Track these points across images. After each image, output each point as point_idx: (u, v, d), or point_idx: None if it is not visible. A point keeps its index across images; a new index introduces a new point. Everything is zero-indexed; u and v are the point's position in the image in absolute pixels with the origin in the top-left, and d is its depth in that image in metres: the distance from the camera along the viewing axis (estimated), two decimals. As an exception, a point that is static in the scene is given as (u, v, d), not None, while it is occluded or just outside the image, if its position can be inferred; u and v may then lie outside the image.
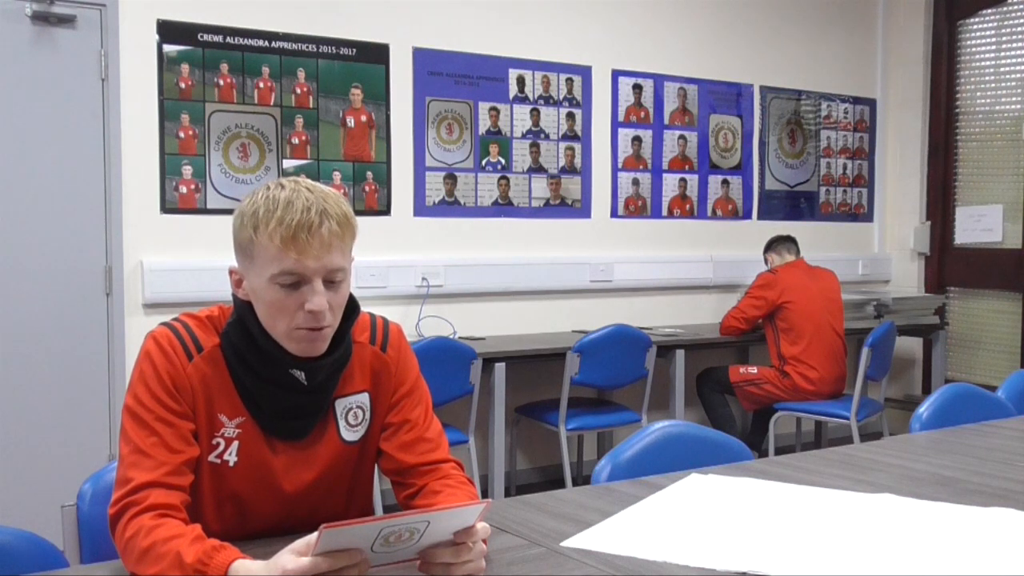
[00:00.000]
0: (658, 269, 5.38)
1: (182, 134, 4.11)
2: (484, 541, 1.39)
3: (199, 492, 1.57)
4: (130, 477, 1.47)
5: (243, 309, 1.57)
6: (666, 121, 5.43)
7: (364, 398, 1.67)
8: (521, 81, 4.94)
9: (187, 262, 4.04)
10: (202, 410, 1.56)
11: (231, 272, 1.60)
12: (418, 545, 1.32)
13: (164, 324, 1.60)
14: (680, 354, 4.76)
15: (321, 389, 1.61)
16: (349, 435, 1.66)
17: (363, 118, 4.52)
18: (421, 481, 1.66)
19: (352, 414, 1.66)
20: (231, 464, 1.58)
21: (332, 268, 1.51)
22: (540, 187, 5.03)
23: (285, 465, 1.61)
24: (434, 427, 1.73)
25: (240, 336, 1.57)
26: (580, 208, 5.16)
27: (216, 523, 1.57)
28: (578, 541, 1.59)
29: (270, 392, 1.57)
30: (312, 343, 1.54)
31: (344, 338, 1.62)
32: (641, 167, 5.36)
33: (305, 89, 4.37)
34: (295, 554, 1.26)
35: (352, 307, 1.63)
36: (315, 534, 1.24)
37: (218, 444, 1.57)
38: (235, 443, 1.57)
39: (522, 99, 4.95)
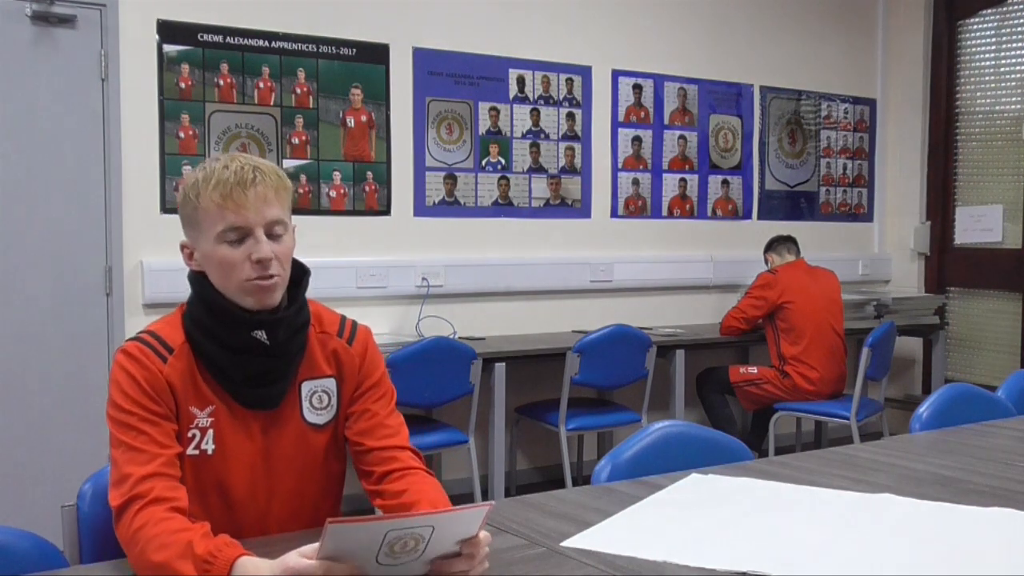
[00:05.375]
0: (658, 269, 5.38)
1: (182, 134, 4.11)
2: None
3: (185, 488, 1.59)
4: (128, 473, 1.51)
5: (199, 282, 1.66)
6: (666, 121, 5.43)
7: (330, 383, 1.73)
8: (521, 81, 4.94)
9: (187, 262, 4.04)
10: (179, 408, 1.61)
11: (183, 247, 1.69)
12: (423, 557, 1.32)
13: (129, 339, 1.66)
14: (680, 354, 4.76)
15: (284, 352, 1.65)
16: (312, 417, 1.70)
17: (363, 118, 4.52)
18: (381, 468, 1.70)
19: (317, 397, 1.71)
20: (209, 452, 1.62)
21: (271, 220, 1.60)
22: (540, 187, 5.03)
23: (260, 447, 1.66)
24: (395, 418, 1.78)
25: (200, 307, 1.64)
26: (580, 208, 5.16)
27: (203, 515, 1.59)
28: (578, 541, 1.59)
29: (237, 360, 1.62)
30: (265, 292, 1.61)
31: (299, 297, 1.69)
32: (641, 167, 5.36)
33: (305, 89, 4.37)
34: (302, 556, 1.30)
35: (303, 270, 1.72)
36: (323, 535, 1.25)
37: (194, 436, 1.62)
38: (210, 431, 1.62)
39: (522, 99, 4.95)
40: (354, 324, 1.79)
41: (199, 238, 1.64)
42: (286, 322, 1.64)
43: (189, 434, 1.61)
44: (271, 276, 1.60)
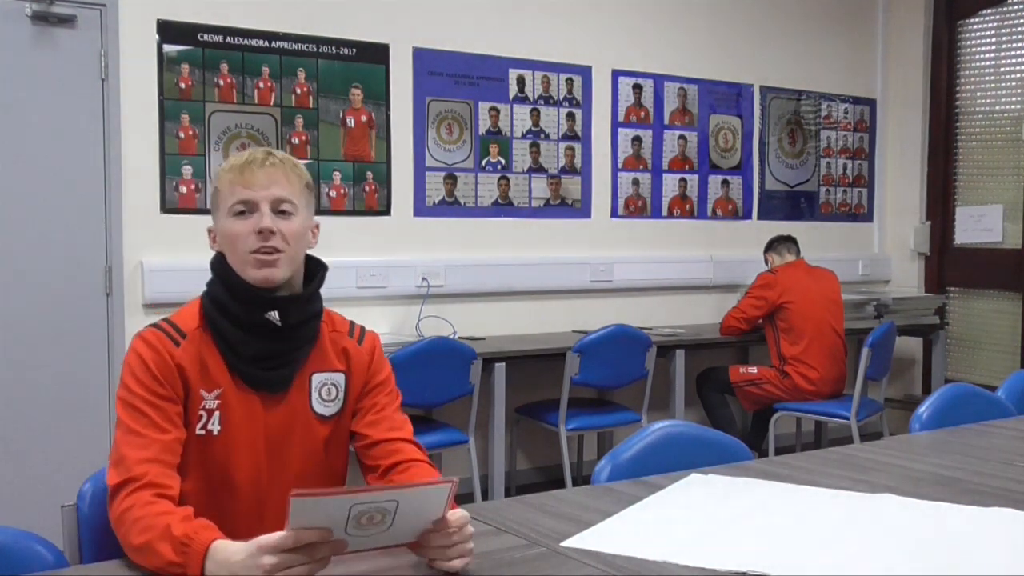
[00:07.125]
0: (658, 269, 5.38)
1: (182, 134, 4.11)
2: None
3: (189, 466, 1.67)
4: (125, 455, 1.58)
5: (219, 262, 1.73)
6: (666, 121, 5.43)
7: (339, 377, 1.79)
8: (521, 81, 4.94)
9: (187, 262, 4.03)
10: (190, 391, 1.68)
11: (208, 231, 1.78)
12: (392, 530, 1.35)
13: (149, 326, 1.73)
14: (680, 354, 4.76)
15: (295, 336, 1.72)
16: (320, 407, 1.77)
17: (363, 118, 4.52)
18: (387, 461, 1.75)
19: (326, 389, 1.78)
20: (215, 433, 1.69)
21: (278, 197, 1.70)
22: (540, 187, 5.03)
23: (264, 430, 1.72)
24: (402, 416, 1.85)
25: (219, 286, 1.72)
26: (580, 208, 5.16)
27: (206, 497, 1.66)
28: (578, 541, 1.59)
29: (248, 339, 1.69)
30: (268, 267, 1.68)
31: (313, 280, 1.77)
32: (641, 167, 5.36)
33: (305, 89, 4.37)
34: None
35: (319, 263, 1.82)
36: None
37: (202, 416, 1.69)
38: (216, 413, 1.69)
39: (522, 99, 4.95)
40: (363, 328, 1.88)
41: (218, 217, 1.73)
42: (299, 305, 1.72)
43: (198, 415, 1.68)
44: (274, 250, 1.67)
